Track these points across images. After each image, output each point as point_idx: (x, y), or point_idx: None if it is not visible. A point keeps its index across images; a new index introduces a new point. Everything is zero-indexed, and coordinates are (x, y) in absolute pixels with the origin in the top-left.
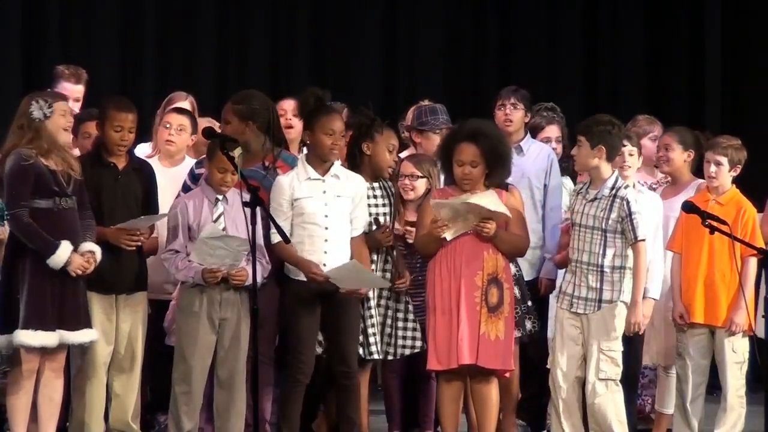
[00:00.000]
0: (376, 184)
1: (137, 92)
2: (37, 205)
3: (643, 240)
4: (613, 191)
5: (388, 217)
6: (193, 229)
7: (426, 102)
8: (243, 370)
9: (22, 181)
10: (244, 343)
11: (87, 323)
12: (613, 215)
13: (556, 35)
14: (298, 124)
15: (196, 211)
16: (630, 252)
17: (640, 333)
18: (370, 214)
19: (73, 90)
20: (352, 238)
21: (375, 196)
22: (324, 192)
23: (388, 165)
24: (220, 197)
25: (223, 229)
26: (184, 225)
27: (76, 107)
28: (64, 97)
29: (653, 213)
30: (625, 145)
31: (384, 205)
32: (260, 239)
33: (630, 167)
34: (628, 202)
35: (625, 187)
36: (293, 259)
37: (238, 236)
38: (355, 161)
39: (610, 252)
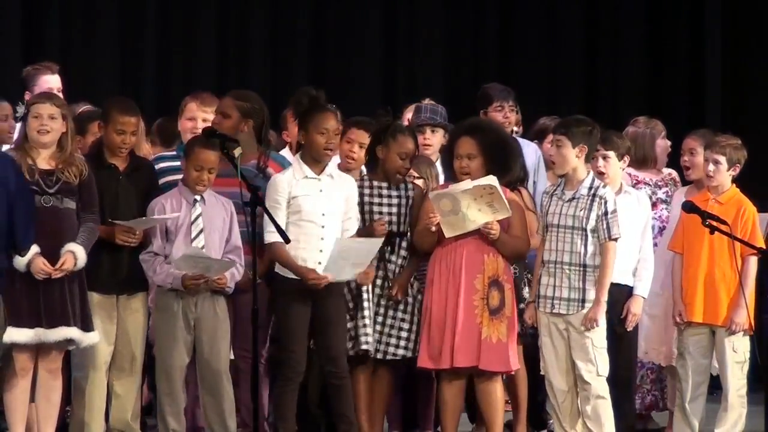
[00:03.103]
0: (384, 184)
1: (137, 92)
2: None
3: (615, 240)
4: (592, 190)
5: (400, 218)
6: (171, 231)
7: (426, 101)
8: (226, 370)
9: None
10: (224, 343)
11: (65, 321)
12: (593, 214)
13: (557, 35)
14: (359, 150)
15: (174, 212)
16: None
17: (630, 328)
18: (381, 213)
19: (53, 80)
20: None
21: (390, 196)
22: (321, 191)
23: (397, 170)
24: (198, 198)
25: (201, 231)
26: (161, 226)
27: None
28: (51, 100)
29: (641, 213)
30: (597, 149)
31: (394, 205)
32: (237, 241)
33: (603, 173)
34: (606, 201)
35: (604, 187)
36: (289, 264)
37: (220, 259)
38: (372, 163)
39: (591, 250)
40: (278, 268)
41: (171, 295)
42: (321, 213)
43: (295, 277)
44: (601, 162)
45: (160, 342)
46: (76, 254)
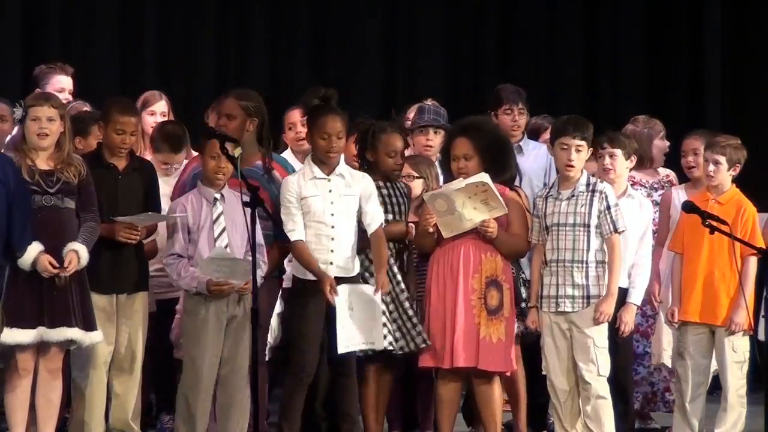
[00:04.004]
0: (388, 184)
1: (137, 92)
2: None
3: (621, 232)
4: (590, 187)
5: (400, 217)
6: (193, 231)
7: (428, 101)
8: (245, 368)
9: None
10: (247, 341)
11: (67, 322)
12: (594, 210)
13: (557, 35)
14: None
15: (195, 211)
16: None
17: (625, 335)
18: (386, 213)
19: (67, 81)
20: (370, 234)
21: (394, 195)
22: (330, 191)
23: (391, 169)
24: (218, 196)
25: (224, 230)
26: (183, 227)
27: (70, 99)
28: (48, 101)
29: (642, 217)
30: (604, 147)
31: (403, 204)
32: (260, 239)
33: (611, 170)
34: (606, 196)
35: (601, 182)
36: (310, 264)
37: (246, 260)
38: (366, 167)
39: (593, 246)
40: (295, 269)
41: (199, 298)
42: (330, 213)
43: (311, 278)
44: (607, 160)
45: (188, 345)
46: (79, 253)
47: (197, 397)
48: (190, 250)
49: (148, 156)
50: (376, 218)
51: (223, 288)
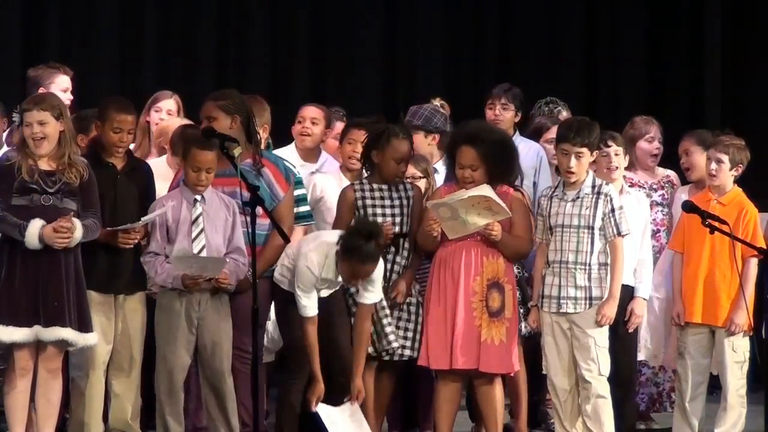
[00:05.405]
0: (383, 186)
1: (137, 92)
2: (15, 202)
3: (624, 235)
4: (595, 189)
5: (402, 218)
6: (171, 230)
7: (436, 101)
8: (228, 371)
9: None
10: (227, 343)
11: (61, 322)
12: (599, 212)
13: (557, 36)
14: (316, 132)
15: (175, 211)
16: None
17: (632, 329)
18: (383, 216)
19: (68, 81)
20: (358, 307)
21: (390, 197)
22: (341, 285)
23: (394, 174)
24: (199, 198)
25: (202, 230)
26: (162, 226)
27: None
28: (37, 105)
29: (640, 213)
30: (609, 146)
31: (396, 206)
32: (239, 241)
33: (617, 167)
34: (611, 199)
35: (606, 184)
36: (312, 356)
37: (211, 257)
38: (369, 166)
39: (597, 249)
40: (289, 285)
41: (173, 294)
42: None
43: None
44: (614, 158)
45: (161, 341)
46: (75, 225)
47: (170, 393)
48: (167, 249)
49: (154, 158)
50: (370, 298)
51: (197, 281)
